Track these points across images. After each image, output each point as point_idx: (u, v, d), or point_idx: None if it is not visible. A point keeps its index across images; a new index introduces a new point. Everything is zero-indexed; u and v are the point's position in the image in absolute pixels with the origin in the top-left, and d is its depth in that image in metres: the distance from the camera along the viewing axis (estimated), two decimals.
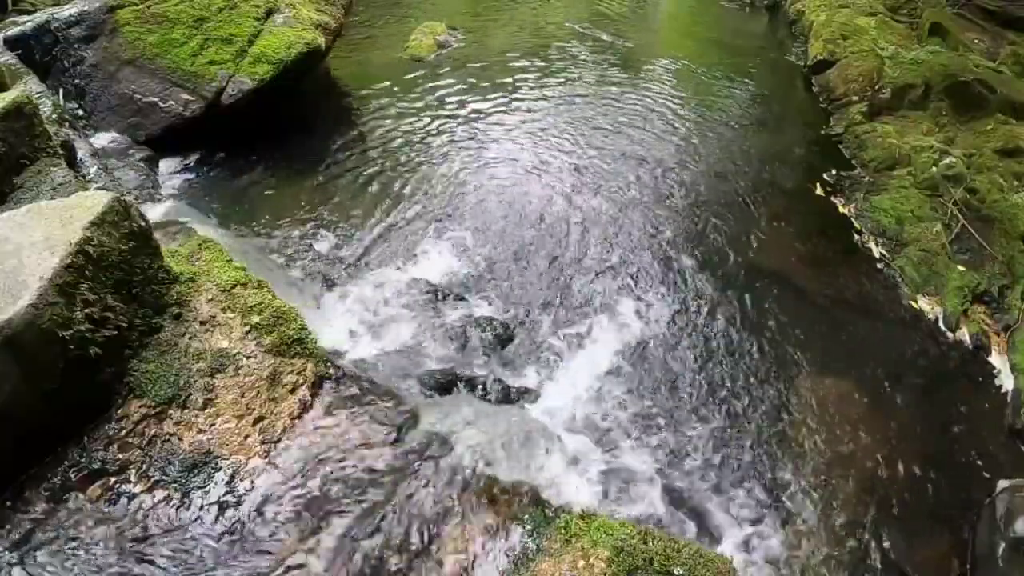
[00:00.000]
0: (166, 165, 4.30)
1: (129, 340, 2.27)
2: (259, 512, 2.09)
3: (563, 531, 2.13)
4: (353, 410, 2.44)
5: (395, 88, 5.62)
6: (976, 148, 5.09)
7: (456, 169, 4.71)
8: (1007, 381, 3.65)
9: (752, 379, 3.44)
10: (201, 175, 4.31)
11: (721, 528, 2.77)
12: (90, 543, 1.94)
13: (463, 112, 5.41)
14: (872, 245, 4.49)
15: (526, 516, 2.22)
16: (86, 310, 2.11)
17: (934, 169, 4.88)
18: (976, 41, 6.44)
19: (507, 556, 2.11)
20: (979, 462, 3.23)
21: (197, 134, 4.37)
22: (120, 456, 2.12)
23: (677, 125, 5.61)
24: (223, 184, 4.28)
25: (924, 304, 4.08)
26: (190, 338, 2.40)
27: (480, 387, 3.13)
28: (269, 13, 4.74)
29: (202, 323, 2.45)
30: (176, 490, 2.08)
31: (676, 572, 2.02)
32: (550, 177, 4.74)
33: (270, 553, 2.01)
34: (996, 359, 3.78)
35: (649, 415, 3.17)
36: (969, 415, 3.46)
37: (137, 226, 2.35)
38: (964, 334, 3.89)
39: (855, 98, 5.84)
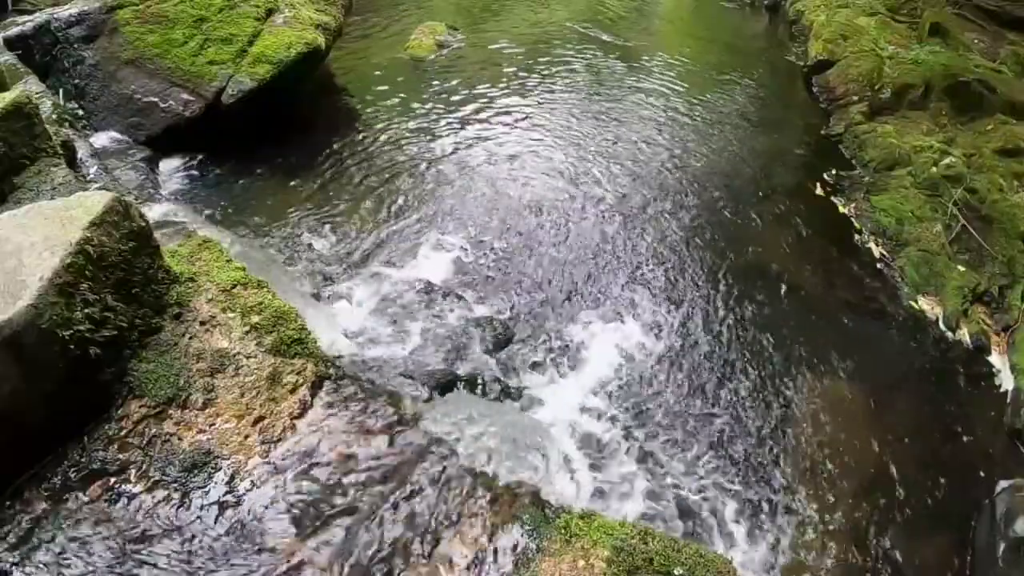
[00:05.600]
0: (166, 165, 4.29)
1: (129, 340, 2.27)
2: (259, 512, 2.09)
3: (563, 531, 2.13)
4: (353, 410, 2.44)
5: (395, 88, 5.62)
6: (976, 148, 5.09)
7: (456, 169, 4.71)
8: (1007, 381, 3.65)
9: (751, 379, 3.43)
10: (201, 175, 4.31)
11: (721, 528, 2.77)
12: (90, 543, 1.94)
13: (463, 112, 5.41)
14: (872, 245, 4.49)
15: (526, 516, 2.22)
16: (86, 310, 2.11)
17: (934, 169, 4.88)
18: (976, 41, 6.43)
19: (507, 556, 2.11)
20: (979, 462, 3.23)
21: (197, 134, 4.37)
22: (120, 456, 2.11)
23: (677, 125, 5.60)
24: (223, 184, 4.28)
25: (924, 304, 4.07)
26: (190, 338, 2.40)
27: (480, 387, 3.13)
28: (269, 13, 4.74)
29: (202, 323, 2.45)
30: (176, 490, 2.08)
31: (676, 572, 2.02)
32: (550, 177, 4.74)
33: (270, 553, 2.01)
34: (996, 359, 3.78)
35: (648, 415, 3.17)
36: (969, 415, 3.46)
37: (137, 226, 2.35)
38: (964, 334, 3.89)
39: (855, 98, 5.84)
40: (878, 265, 4.35)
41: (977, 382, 3.67)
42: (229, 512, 2.07)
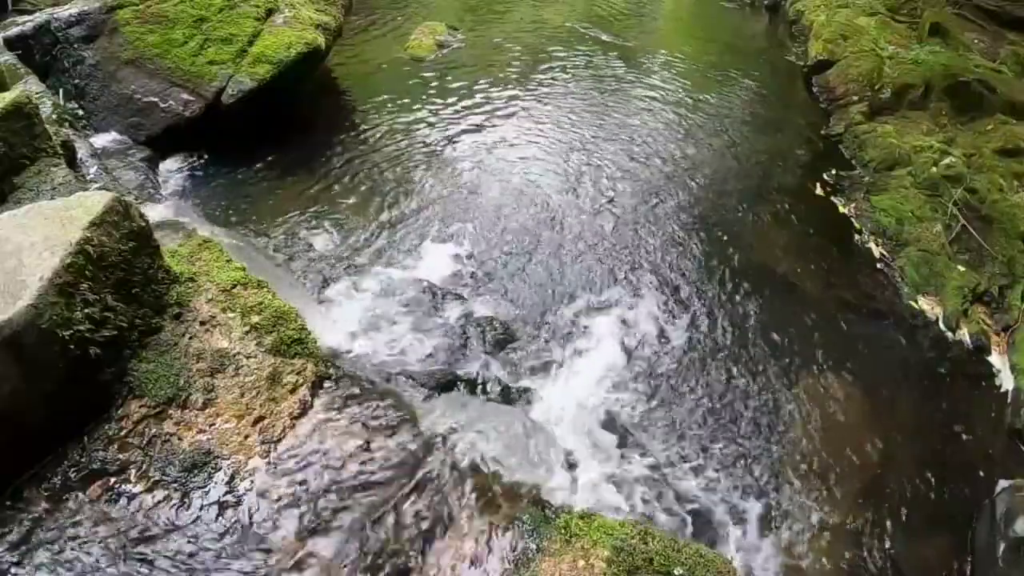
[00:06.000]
0: (166, 165, 4.29)
1: (129, 340, 2.27)
2: (259, 512, 2.09)
3: (563, 531, 2.13)
4: (353, 410, 2.44)
5: (395, 88, 5.62)
6: (976, 148, 5.08)
7: (456, 169, 4.71)
8: (1007, 381, 3.65)
9: (751, 379, 3.43)
10: (201, 175, 4.31)
11: (721, 528, 2.77)
12: (90, 543, 1.94)
13: (463, 112, 5.41)
14: (872, 245, 4.49)
15: (526, 516, 2.22)
16: (86, 310, 2.11)
17: (934, 169, 4.88)
18: (976, 41, 6.43)
19: (507, 556, 2.11)
20: (979, 462, 3.23)
21: (197, 134, 4.37)
22: (120, 456, 2.12)
23: (676, 125, 5.60)
24: (223, 184, 4.28)
25: (924, 304, 4.07)
26: (190, 338, 2.40)
27: (480, 387, 3.13)
28: (269, 13, 4.74)
29: (202, 323, 2.45)
30: (176, 490, 2.08)
31: (676, 572, 2.02)
32: (550, 177, 4.74)
33: (270, 553, 2.01)
34: (996, 359, 3.78)
35: (648, 415, 3.17)
36: (969, 415, 3.46)
37: (137, 226, 2.35)
38: (964, 334, 3.89)
39: (855, 98, 5.84)
40: (878, 265, 4.35)
41: (977, 382, 3.67)
42: (229, 512, 2.07)
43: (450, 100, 5.54)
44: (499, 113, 5.46)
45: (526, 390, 3.17)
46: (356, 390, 2.53)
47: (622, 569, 2.00)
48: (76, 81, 4.32)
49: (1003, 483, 3.02)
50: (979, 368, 3.74)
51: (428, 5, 7.41)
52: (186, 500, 2.07)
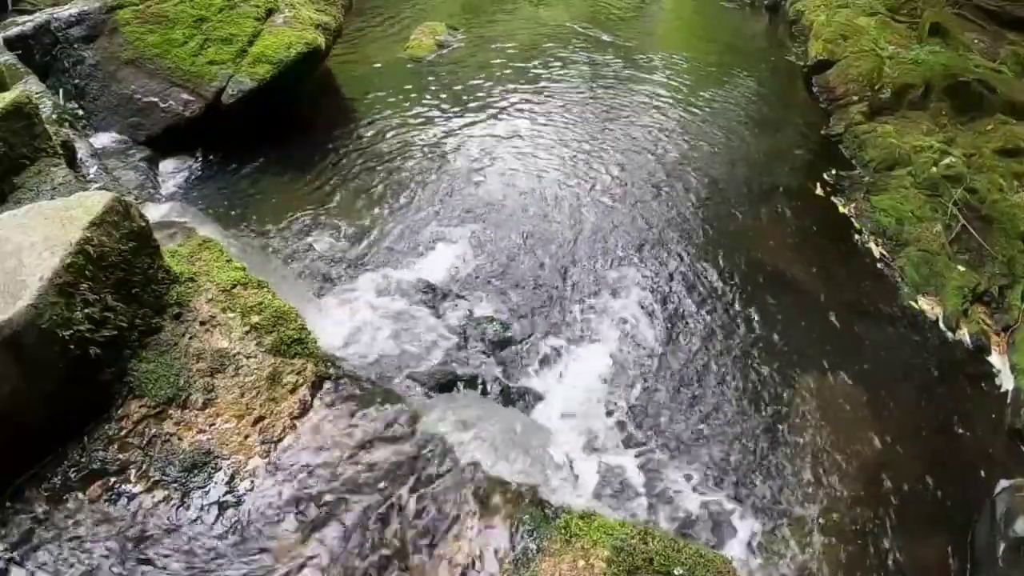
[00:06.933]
0: (166, 165, 4.30)
1: (129, 340, 2.27)
2: (259, 512, 2.09)
3: (563, 531, 2.13)
4: (353, 410, 2.44)
5: (395, 88, 5.62)
6: (976, 148, 5.08)
7: (456, 169, 4.71)
8: (1007, 381, 3.65)
9: (752, 379, 3.43)
10: (201, 175, 4.31)
11: (721, 528, 2.77)
12: (90, 543, 1.94)
13: (463, 112, 5.42)
14: (872, 245, 4.49)
15: (526, 516, 2.22)
16: (86, 310, 2.11)
17: (934, 169, 4.88)
18: (976, 41, 6.43)
19: (507, 556, 2.11)
20: (979, 462, 3.23)
21: (197, 134, 4.37)
22: (120, 456, 2.11)
23: (676, 125, 5.61)
24: (223, 184, 4.28)
25: (924, 304, 4.07)
26: (190, 338, 2.40)
27: (480, 387, 3.13)
28: (269, 13, 4.74)
29: (202, 323, 2.45)
30: (176, 490, 2.08)
31: (676, 572, 2.02)
32: (550, 177, 4.74)
33: (270, 553, 2.01)
34: (996, 359, 3.78)
35: (649, 415, 3.17)
36: (969, 415, 3.46)
37: (137, 226, 2.35)
38: (964, 334, 3.89)
39: (855, 98, 5.84)
40: (878, 265, 4.35)
41: (977, 382, 3.67)
42: (229, 512, 2.07)
43: (450, 100, 5.55)
44: (498, 113, 5.46)
45: (526, 389, 3.18)
46: (356, 390, 2.53)
47: (622, 569, 2.00)
48: (76, 81, 4.33)
49: (1003, 483, 3.02)
50: (979, 368, 3.74)
51: (428, 5, 7.42)
52: (186, 500, 2.07)
